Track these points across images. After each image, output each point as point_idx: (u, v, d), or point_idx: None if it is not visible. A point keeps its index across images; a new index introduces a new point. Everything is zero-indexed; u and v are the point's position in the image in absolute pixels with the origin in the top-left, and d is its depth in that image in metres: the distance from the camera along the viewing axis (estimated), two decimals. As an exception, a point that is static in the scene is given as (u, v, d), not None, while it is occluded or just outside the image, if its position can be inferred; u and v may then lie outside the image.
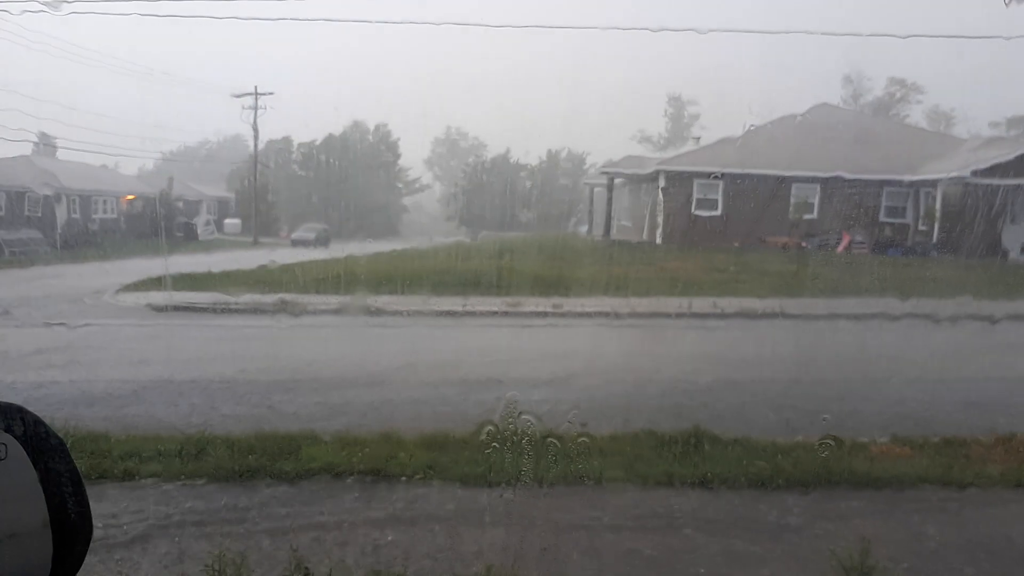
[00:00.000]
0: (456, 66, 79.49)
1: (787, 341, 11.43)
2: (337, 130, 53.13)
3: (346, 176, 46.76)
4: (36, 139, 38.26)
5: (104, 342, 11.23)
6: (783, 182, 23.50)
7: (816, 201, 24.09)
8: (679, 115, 55.82)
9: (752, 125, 25.24)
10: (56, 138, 39.41)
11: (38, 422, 0.95)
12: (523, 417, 6.48)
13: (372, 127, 55.61)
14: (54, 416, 6.20)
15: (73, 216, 34.97)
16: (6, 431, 0.91)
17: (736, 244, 21.79)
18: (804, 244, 22.31)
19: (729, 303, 13.00)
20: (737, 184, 23.43)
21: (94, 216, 37.18)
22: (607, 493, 5.44)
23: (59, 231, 32.57)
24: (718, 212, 23.84)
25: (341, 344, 11.35)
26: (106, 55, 61.54)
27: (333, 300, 13.89)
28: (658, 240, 24.77)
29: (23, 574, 0.91)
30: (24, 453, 0.92)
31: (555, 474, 5.59)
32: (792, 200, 23.96)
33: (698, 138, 31.62)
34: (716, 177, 23.35)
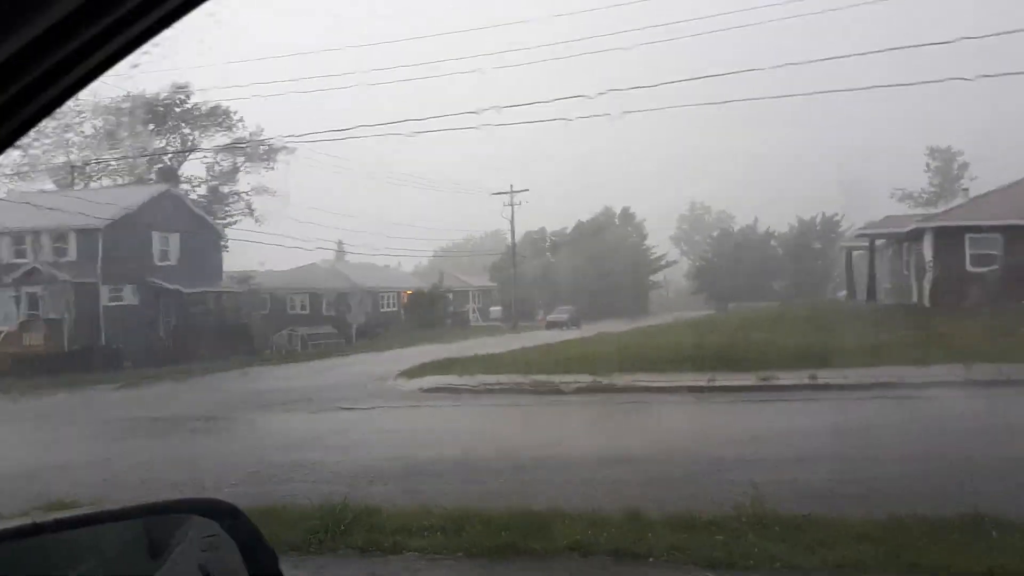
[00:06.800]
0: (698, 145, 79.86)
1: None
2: (585, 217, 55.65)
3: (595, 259, 48.39)
4: (335, 247, 44.46)
5: (384, 424, 12.53)
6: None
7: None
8: (947, 168, 51.61)
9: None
10: (346, 244, 45.38)
11: (241, 515, 1.18)
12: (773, 498, 6.21)
13: (618, 210, 57.48)
14: (339, 491, 7.04)
15: (363, 310, 39.46)
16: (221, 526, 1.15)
17: (1021, 302, 19.03)
18: None
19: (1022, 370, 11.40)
20: (1019, 236, 20.60)
21: (380, 310, 41.77)
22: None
23: (351, 325, 36.98)
24: (996, 268, 21.08)
25: (586, 423, 11.62)
26: (380, 167, 70.44)
27: (582, 379, 14.28)
28: (926, 302, 22.55)
29: None
30: (234, 544, 1.14)
31: (813, 562, 5.28)
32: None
33: (966, 189, 28.70)
34: (993, 231, 20.77)
